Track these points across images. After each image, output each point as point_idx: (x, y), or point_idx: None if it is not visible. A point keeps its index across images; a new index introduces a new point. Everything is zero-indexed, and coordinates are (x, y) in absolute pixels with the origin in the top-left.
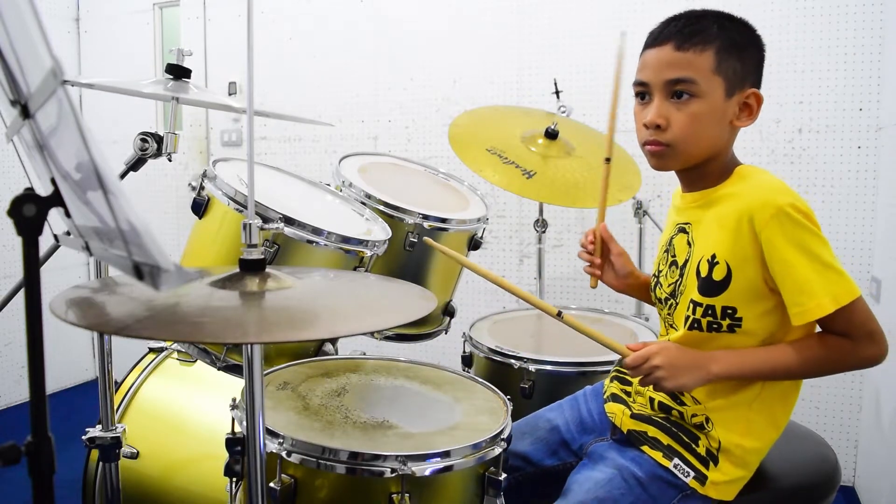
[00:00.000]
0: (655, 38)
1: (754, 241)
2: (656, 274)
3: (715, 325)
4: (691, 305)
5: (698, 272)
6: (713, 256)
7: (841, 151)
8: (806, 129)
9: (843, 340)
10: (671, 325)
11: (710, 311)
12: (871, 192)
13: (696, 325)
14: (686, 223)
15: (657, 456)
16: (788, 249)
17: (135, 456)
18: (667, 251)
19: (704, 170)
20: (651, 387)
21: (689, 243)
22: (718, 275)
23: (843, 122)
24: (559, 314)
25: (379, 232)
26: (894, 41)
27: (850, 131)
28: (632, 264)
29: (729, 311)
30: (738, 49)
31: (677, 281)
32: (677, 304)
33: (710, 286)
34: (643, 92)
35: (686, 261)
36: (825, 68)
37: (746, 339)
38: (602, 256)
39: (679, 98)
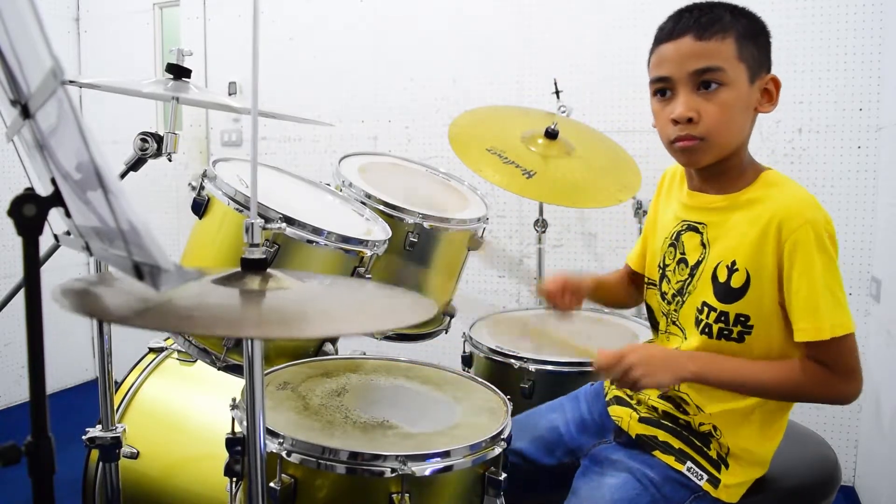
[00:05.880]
0: (671, 32)
1: (777, 248)
2: (661, 267)
3: (726, 332)
4: (705, 309)
5: (715, 277)
6: (733, 263)
7: (841, 151)
8: (806, 129)
9: (824, 371)
10: (674, 322)
11: (723, 317)
12: (871, 192)
13: (706, 330)
14: (699, 223)
15: (669, 460)
16: (810, 264)
17: (135, 456)
18: (673, 246)
19: (725, 165)
20: (629, 390)
21: (703, 244)
22: (737, 282)
23: (843, 122)
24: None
25: (379, 232)
26: (894, 41)
27: (850, 131)
28: (581, 292)
29: (742, 319)
30: (753, 35)
31: (686, 280)
32: (684, 301)
33: (727, 292)
34: (664, 88)
35: (699, 261)
36: (825, 68)
37: (749, 351)
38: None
39: (707, 88)
